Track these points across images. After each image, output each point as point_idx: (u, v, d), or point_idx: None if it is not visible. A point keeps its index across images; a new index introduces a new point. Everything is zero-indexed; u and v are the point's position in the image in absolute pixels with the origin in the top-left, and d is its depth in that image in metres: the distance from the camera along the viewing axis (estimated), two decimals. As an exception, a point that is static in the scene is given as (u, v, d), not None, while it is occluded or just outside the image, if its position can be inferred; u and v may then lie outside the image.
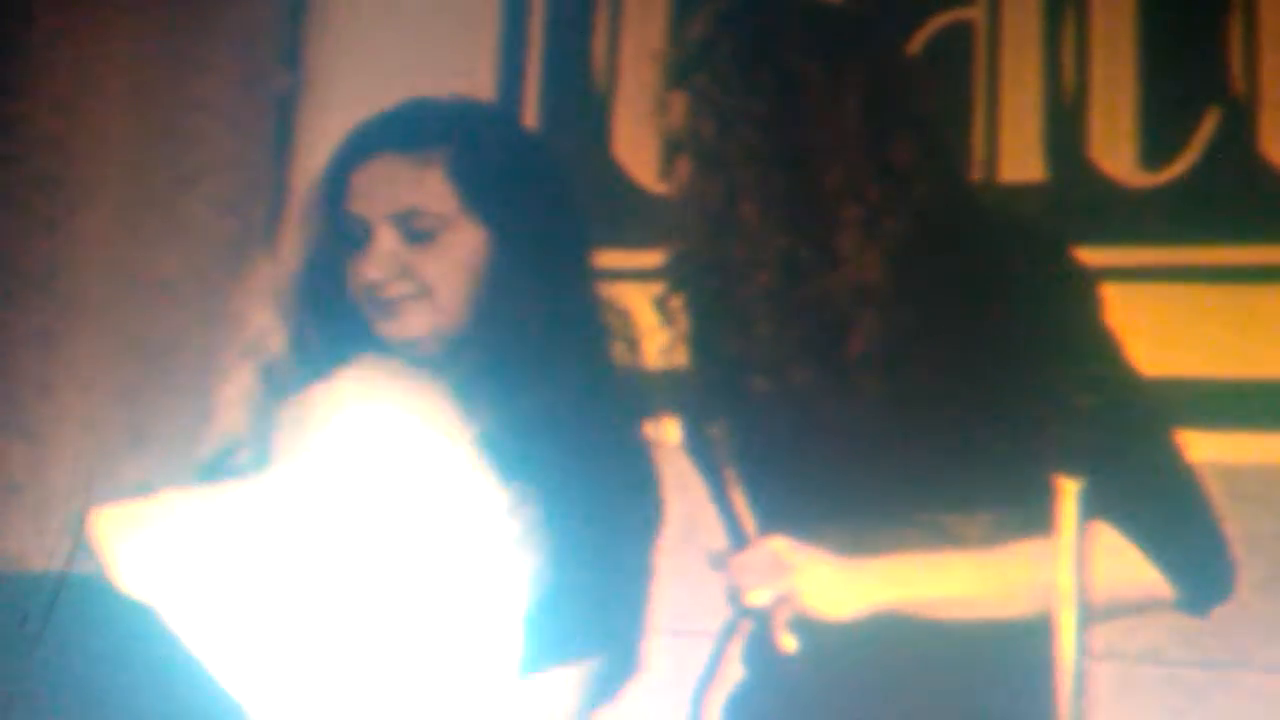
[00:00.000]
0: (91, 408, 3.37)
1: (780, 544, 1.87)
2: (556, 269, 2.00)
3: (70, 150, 3.49)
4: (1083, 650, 1.70)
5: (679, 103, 1.99)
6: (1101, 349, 1.90)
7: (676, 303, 2.03)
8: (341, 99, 3.35)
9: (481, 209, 1.98)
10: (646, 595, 1.97)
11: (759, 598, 1.87)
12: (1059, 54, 3.05)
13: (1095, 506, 1.74)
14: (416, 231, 1.98)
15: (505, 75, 3.27)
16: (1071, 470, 1.73)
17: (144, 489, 3.27)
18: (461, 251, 1.98)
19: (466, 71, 3.20)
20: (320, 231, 2.04)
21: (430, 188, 1.98)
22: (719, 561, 1.91)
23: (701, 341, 2.01)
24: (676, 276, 2.02)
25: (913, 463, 1.85)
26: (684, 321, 2.03)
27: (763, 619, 1.89)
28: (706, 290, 1.98)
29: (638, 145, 3.21)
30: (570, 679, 1.89)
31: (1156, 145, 2.98)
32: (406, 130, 2.03)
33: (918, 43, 3.13)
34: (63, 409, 3.37)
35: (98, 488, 3.25)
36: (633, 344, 2.03)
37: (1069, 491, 1.69)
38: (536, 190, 2.03)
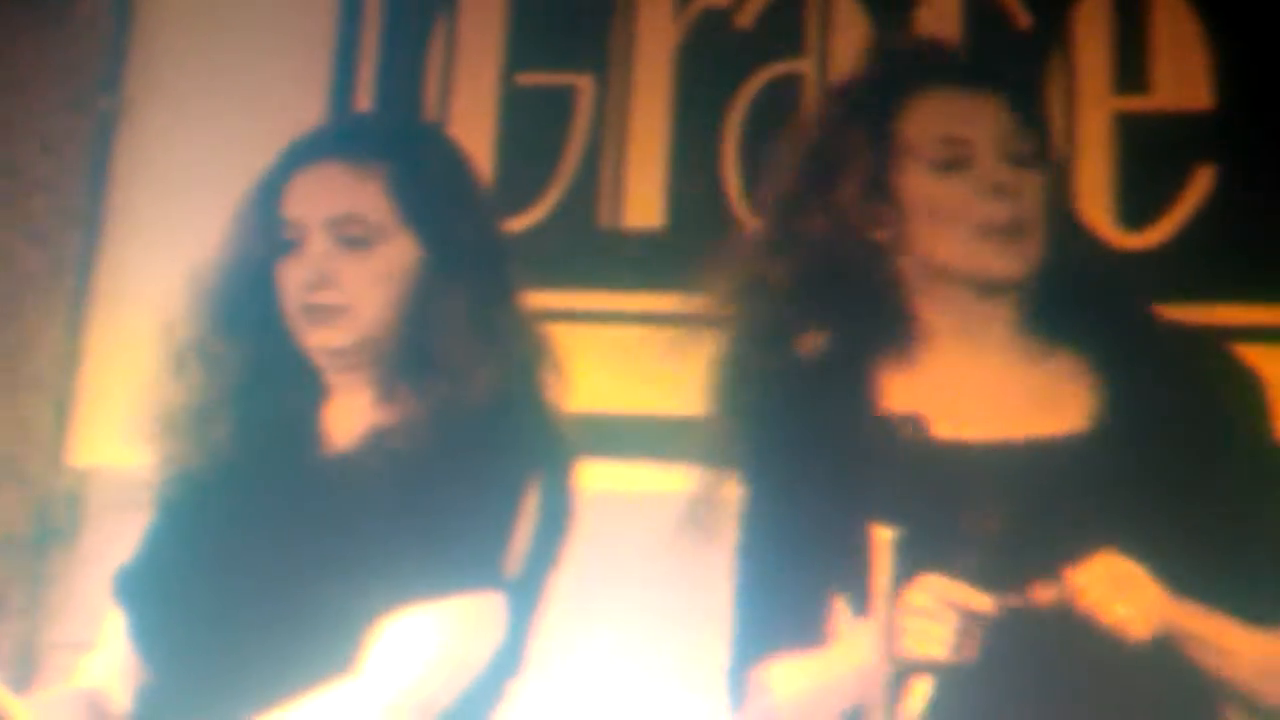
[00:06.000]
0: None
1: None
2: (482, 286, 2.03)
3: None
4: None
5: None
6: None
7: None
8: (161, 126, 3.30)
9: (416, 222, 2.03)
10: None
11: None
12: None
13: None
14: (350, 238, 2.01)
15: (335, 107, 3.23)
16: None
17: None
18: (392, 262, 2.02)
19: (294, 104, 3.16)
20: (253, 233, 2.05)
21: (369, 197, 2.02)
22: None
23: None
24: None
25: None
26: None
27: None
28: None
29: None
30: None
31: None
32: (351, 141, 2.08)
33: (747, 94, 3.16)
34: None
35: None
36: (557, 378, 2.06)
37: (884, 540, 1.68)
38: (469, 210, 2.08)
